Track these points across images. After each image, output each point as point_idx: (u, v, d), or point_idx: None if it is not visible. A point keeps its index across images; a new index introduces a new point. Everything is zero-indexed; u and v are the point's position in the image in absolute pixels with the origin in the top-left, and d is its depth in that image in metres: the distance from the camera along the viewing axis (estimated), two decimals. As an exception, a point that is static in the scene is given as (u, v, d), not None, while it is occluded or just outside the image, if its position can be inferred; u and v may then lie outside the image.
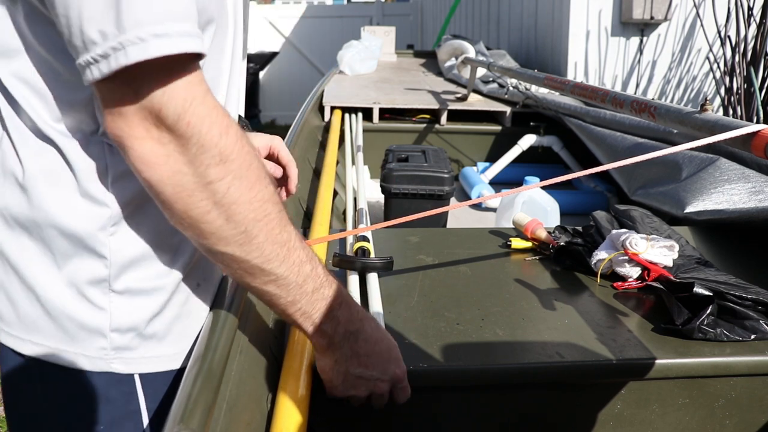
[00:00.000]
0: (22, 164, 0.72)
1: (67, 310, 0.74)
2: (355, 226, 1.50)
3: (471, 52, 3.66)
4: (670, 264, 1.13)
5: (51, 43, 0.68)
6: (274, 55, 8.37)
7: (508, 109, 2.86)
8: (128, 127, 0.62)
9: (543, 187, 1.56)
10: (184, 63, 0.61)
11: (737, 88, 3.12)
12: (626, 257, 1.12)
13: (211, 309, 0.83)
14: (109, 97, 0.62)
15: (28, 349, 0.76)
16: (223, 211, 0.65)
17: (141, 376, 0.78)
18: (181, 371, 0.79)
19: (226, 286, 0.88)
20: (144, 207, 0.75)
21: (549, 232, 1.29)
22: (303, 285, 0.72)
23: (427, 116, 2.93)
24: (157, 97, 0.60)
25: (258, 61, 7.85)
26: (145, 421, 0.80)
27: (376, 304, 1.01)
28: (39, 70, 0.70)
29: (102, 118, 0.63)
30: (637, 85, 3.63)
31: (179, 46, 0.59)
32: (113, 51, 0.58)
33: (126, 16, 0.57)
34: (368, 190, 2.18)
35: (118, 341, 0.75)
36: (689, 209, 1.47)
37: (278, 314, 0.76)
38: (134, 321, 0.76)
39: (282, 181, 1.05)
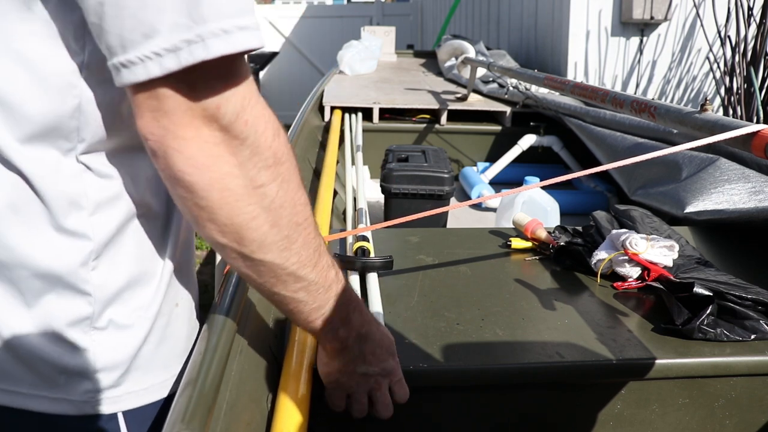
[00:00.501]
0: None
1: (42, 353, 0.66)
2: (355, 226, 1.50)
3: (471, 52, 3.66)
4: (670, 264, 1.13)
5: (51, 38, 0.59)
6: (274, 55, 8.37)
7: (508, 109, 2.86)
8: (175, 127, 0.56)
9: (543, 187, 1.56)
10: (244, 59, 0.59)
11: (737, 88, 3.12)
12: (626, 257, 1.12)
13: (210, 309, 0.83)
14: (154, 95, 0.56)
15: None
16: (270, 216, 0.61)
17: (125, 413, 0.73)
18: (167, 399, 0.76)
19: (225, 288, 0.88)
20: (123, 235, 0.70)
21: (549, 232, 1.29)
22: (329, 290, 0.71)
23: (427, 116, 2.93)
24: (217, 94, 0.56)
25: (258, 61, 7.85)
26: None
27: (376, 304, 1.01)
28: (18, 80, 0.60)
29: (136, 118, 0.57)
30: (637, 85, 3.63)
31: (257, 40, 0.57)
32: (187, 44, 0.53)
33: (206, 6, 0.53)
34: (368, 190, 2.18)
35: (105, 381, 0.70)
36: (689, 209, 1.47)
37: (297, 322, 0.74)
38: (120, 356, 0.70)
39: None
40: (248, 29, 0.56)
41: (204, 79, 0.56)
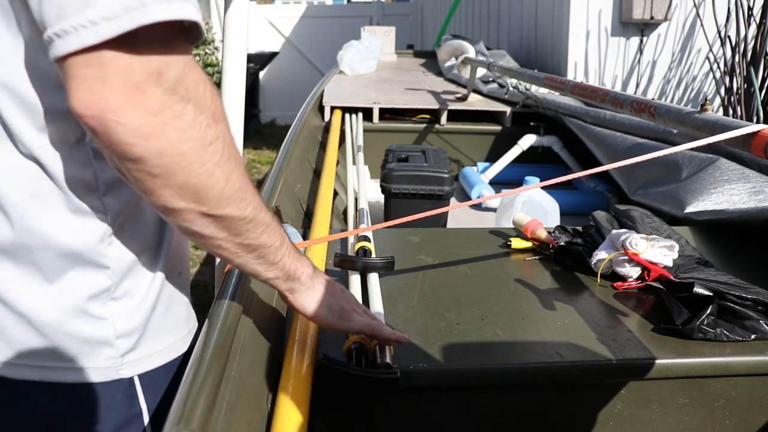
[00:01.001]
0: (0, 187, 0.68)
1: (67, 328, 0.72)
2: (355, 226, 1.50)
3: (471, 52, 3.66)
4: (670, 264, 1.13)
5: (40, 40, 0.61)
6: (274, 55, 8.38)
7: (508, 109, 2.86)
8: (116, 98, 0.55)
9: (543, 187, 1.56)
10: (183, 34, 0.59)
11: (737, 88, 3.12)
12: (626, 257, 1.12)
13: (210, 309, 0.83)
14: (92, 63, 0.54)
15: (22, 373, 0.73)
16: (223, 172, 0.62)
17: (140, 376, 0.79)
18: (175, 360, 0.83)
19: (225, 287, 0.88)
20: (132, 211, 0.75)
21: (549, 232, 1.29)
22: (278, 227, 0.73)
23: (427, 116, 2.93)
24: (159, 60, 0.56)
25: (258, 61, 7.85)
26: (146, 421, 0.81)
27: (377, 304, 1.01)
28: (29, 76, 0.65)
29: (69, 96, 0.56)
30: (637, 85, 3.63)
31: (196, 15, 0.58)
32: (126, 11, 0.53)
33: None
34: (368, 190, 2.18)
35: (125, 346, 0.76)
36: (689, 209, 1.47)
37: (267, 270, 0.75)
38: (135, 323, 0.77)
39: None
40: (188, 1, 0.57)
41: (145, 46, 0.55)
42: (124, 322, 0.76)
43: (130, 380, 0.78)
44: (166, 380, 0.83)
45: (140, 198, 0.74)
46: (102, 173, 0.71)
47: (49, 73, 0.65)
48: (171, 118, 0.57)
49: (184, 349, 0.85)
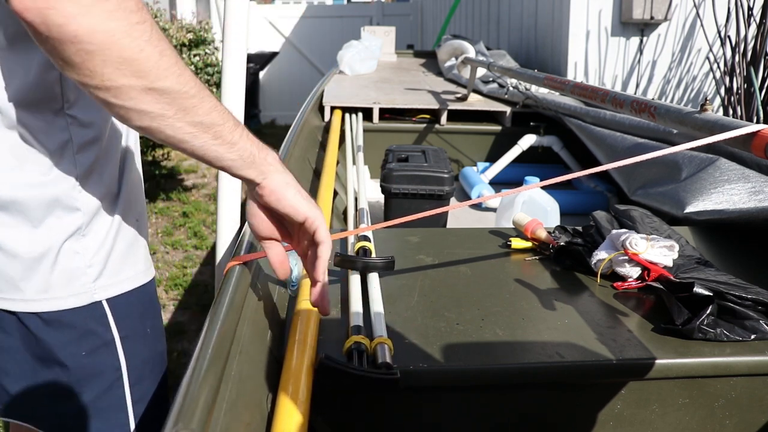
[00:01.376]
0: None
1: (50, 262, 0.88)
2: (355, 226, 1.50)
3: (471, 52, 3.66)
4: (670, 264, 1.13)
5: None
6: (274, 55, 8.38)
7: (508, 109, 2.87)
8: None
9: (543, 187, 1.56)
10: None
11: (737, 88, 3.12)
12: (626, 257, 1.12)
13: (210, 309, 0.83)
14: None
15: (17, 306, 0.88)
16: (155, 48, 0.68)
17: (108, 301, 0.94)
18: (136, 291, 0.99)
19: (224, 288, 0.88)
20: (98, 166, 0.92)
21: (549, 232, 1.29)
22: (229, 112, 0.78)
23: (427, 116, 2.93)
24: None
25: (258, 61, 7.86)
26: (119, 346, 0.96)
27: (376, 304, 1.01)
28: (8, 60, 0.80)
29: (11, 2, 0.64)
30: (637, 85, 3.63)
31: None
32: None
33: None
34: (368, 190, 2.18)
35: (94, 274, 0.92)
36: (689, 209, 1.47)
37: (229, 152, 0.77)
38: (103, 254, 0.93)
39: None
40: None
41: None
42: (93, 255, 0.92)
43: (101, 303, 0.93)
44: (131, 312, 0.97)
45: (104, 155, 0.93)
46: (77, 136, 0.88)
47: (33, 59, 0.80)
48: (127, 12, 0.66)
49: (144, 281, 1.00)
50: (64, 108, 0.86)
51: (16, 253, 0.86)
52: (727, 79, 3.19)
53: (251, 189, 0.83)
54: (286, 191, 0.81)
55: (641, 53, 3.57)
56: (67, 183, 0.87)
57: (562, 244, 1.24)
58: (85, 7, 0.63)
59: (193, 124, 0.73)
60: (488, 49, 4.10)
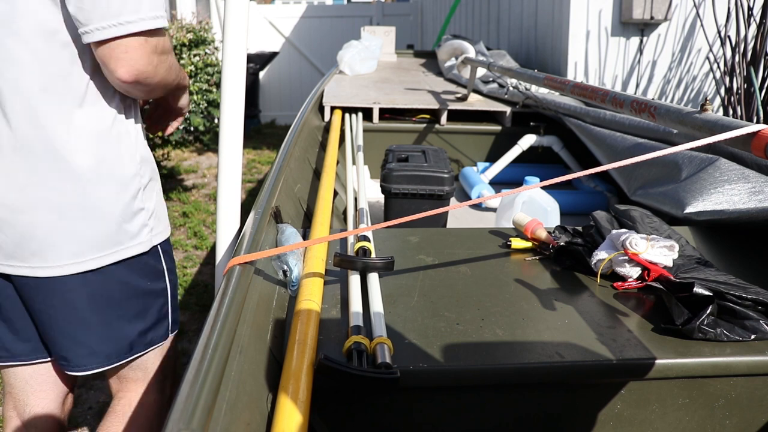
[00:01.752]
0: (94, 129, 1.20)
1: (128, 217, 1.23)
2: (355, 226, 1.50)
3: (471, 52, 3.66)
4: (670, 264, 1.13)
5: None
6: (274, 55, 8.37)
7: (508, 109, 2.87)
8: (141, 66, 1.14)
9: (543, 187, 1.56)
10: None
11: (737, 88, 3.12)
12: (626, 257, 1.12)
13: (210, 309, 0.83)
14: (119, 49, 1.11)
15: (107, 260, 1.21)
16: (176, 77, 1.29)
17: (159, 245, 1.32)
18: (168, 239, 1.36)
19: (225, 288, 0.88)
20: (139, 134, 1.30)
21: (549, 232, 1.29)
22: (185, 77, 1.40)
23: (427, 116, 2.93)
24: (155, 41, 1.15)
25: (258, 61, 7.85)
26: (166, 275, 1.35)
27: (376, 304, 1.01)
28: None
29: (116, 71, 1.13)
30: (637, 85, 3.63)
31: (164, 21, 1.17)
32: (139, 19, 1.11)
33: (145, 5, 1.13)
34: (368, 190, 2.18)
35: (151, 225, 1.29)
36: (689, 209, 1.47)
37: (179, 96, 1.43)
38: (152, 209, 1.30)
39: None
40: (160, 15, 1.15)
41: (150, 35, 1.15)
42: (150, 210, 1.28)
43: (156, 247, 1.31)
44: (167, 252, 1.36)
45: (135, 127, 1.29)
46: (139, 129, 1.30)
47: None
48: (160, 65, 1.19)
49: (169, 232, 1.37)
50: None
51: (105, 214, 1.20)
52: (727, 79, 3.19)
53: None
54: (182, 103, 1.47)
55: (641, 53, 3.57)
56: (136, 161, 1.25)
57: (562, 244, 1.24)
58: (158, 70, 1.18)
59: (180, 88, 1.37)
60: (488, 49, 4.10)
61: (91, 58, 1.16)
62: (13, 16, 1.10)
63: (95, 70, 1.18)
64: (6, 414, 1.35)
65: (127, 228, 1.23)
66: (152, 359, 1.36)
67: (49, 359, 1.32)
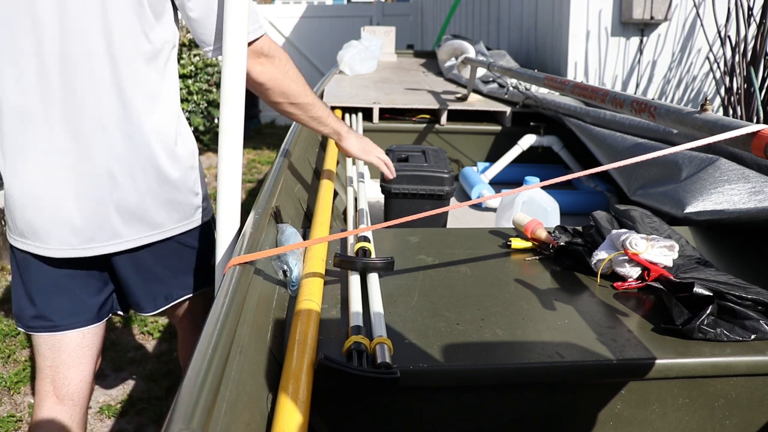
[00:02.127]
0: (171, 132, 1.33)
1: (190, 199, 1.38)
2: (355, 227, 1.50)
3: (471, 52, 3.66)
4: (670, 264, 1.13)
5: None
6: (274, 54, 8.37)
7: (508, 109, 2.87)
8: (272, 71, 1.37)
9: (543, 187, 1.56)
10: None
11: (737, 88, 3.12)
12: (626, 257, 1.12)
13: (210, 309, 0.83)
14: (256, 54, 1.33)
15: (179, 230, 1.38)
16: (297, 86, 1.43)
17: (210, 220, 1.47)
18: (211, 218, 1.47)
19: (225, 288, 0.88)
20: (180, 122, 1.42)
21: (549, 232, 1.29)
22: (327, 108, 1.55)
23: (427, 116, 2.93)
24: (272, 47, 1.36)
25: (258, 61, 7.84)
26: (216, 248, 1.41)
27: (376, 304, 1.01)
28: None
29: (257, 76, 1.37)
30: (637, 85, 3.63)
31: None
32: (255, 31, 1.29)
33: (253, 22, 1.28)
34: (368, 190, 2.18)
35: (204, 206, 1.44)
36: (689, 209, 1.47)
37: (322, 127, 1.55)
38: (203, 194, 1.44)
39: None
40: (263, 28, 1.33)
41: (264, 43, 1.34)
42: (202, 194, 1.43)
43: (207, 222, 1.45)
44: (213, 225, 1.45)
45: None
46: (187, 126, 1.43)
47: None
48: (282, 67, 1.40)
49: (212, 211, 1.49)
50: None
51: (173, 199, 1.35)
52: (727, 79, 3.19)
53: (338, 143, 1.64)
54: (348, 147, 1.64)
55: (641, 53, 3.57)
56: (195, 153, 1.41)
57: (562, 244, 1.24)
58: (285, 80, 1.40)
59: (309, 117, 1.50)
60: (488, 49, 4.10)
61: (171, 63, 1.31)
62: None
63: (173, 72, 1.33)
64: (41, 390, 1.39)
65: (189, 206, 1.42)
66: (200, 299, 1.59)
67: (98, 323, 1.43)
